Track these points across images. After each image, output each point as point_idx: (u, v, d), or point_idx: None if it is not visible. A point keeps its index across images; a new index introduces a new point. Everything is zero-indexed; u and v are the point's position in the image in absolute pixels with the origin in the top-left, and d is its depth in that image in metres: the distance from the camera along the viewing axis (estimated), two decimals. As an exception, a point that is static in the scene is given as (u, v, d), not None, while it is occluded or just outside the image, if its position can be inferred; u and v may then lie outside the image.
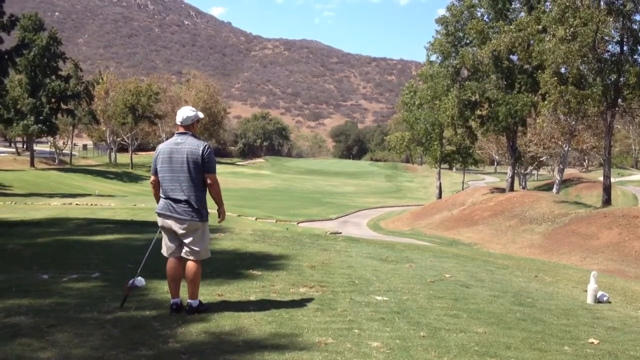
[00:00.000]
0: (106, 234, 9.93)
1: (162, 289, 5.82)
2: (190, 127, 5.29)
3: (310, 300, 5.89)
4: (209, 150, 5.19)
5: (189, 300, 5.21)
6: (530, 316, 5.96)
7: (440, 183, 53.64)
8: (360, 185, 78.07)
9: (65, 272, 6.73)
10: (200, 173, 5.14)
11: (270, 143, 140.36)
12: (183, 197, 5.12)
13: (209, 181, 5.16)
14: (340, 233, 31.43)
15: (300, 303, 5.73)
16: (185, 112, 5.29)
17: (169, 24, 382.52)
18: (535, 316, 5.99)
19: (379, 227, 36.54)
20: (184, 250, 5.23)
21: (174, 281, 5.25)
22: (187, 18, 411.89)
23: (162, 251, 5.35)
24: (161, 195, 5.25)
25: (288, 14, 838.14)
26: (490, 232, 29.67)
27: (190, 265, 5.20)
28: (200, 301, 5.30)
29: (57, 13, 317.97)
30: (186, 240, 5.17)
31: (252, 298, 5.82)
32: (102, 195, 40.45)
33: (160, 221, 5.25)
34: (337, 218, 40.83)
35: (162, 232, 5.33)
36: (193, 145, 5.14)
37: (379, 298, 6.17)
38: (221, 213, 5.32)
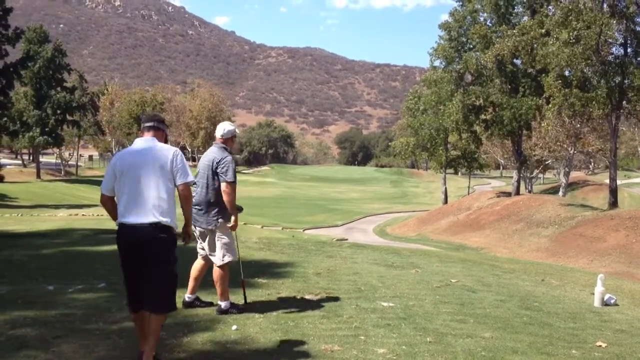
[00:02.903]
0: (112, 244, 9.90)
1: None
2: (228, 141, 5.71)
3: (316, 307, 5.88)
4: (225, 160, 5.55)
5: (218, 302, 5.61)
6: (537, 320, 5.94)
7: (445, 188, 53.51)
8: (365, 191, 77.99)
9: (71, 283, 6.74)
10: (217, 181, 5.49)
11: (276, 151, 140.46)
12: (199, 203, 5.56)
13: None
14: (347, 239, 31.37)
15: (306, 310, 5.73)
16: (226, 126, 5.77)
17: (173, 34, 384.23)
18: (542, 320, 5.96)
19: (386, 233, 36.47)
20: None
21: (193, 279, 5.75)
22: (191, 28, 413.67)
23: None
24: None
25: (292, 23, 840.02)
26: (497, 236, 29.55)
27: (213, 269, 5.66)
28: (231, 303, 5.63)
29: (61, 25, 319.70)
30: (205, 245, 5.66)
31: (258, 306, 5.81)
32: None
33: None
34: (344, 225, 40.75)
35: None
36: (213, 153, 5.58)
37: (385, 304, 6.15)
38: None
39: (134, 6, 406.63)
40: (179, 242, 4.33)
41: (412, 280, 7.87)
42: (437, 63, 42.84)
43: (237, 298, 5.91)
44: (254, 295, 6.22)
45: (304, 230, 34.48)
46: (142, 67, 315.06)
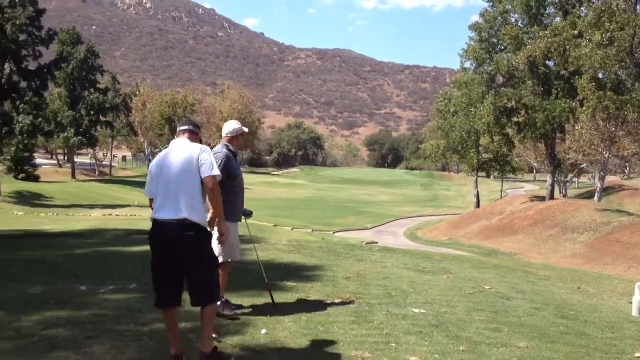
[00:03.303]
0: (144, 245, 9.95)
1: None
2: (234, 140, 5.77)
3: (346, 312, 5.81)
4: None
5: None
6: (574, 330, 5.78)
7: (478, 192, 52.91)
8: (396, 194, 77.59)
9: (103, 284, 6.79)
10: None
11: (305, 152, 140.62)
12: None
13: None
14: (377, 243, 31.21)
15: (336, 315, 5.66)
16: (233, 125, 5.85)
17: (204, 36, 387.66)
18: (579, 330, 5.80)
19: (416, 236, 36.20)
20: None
21: None
22: (221, 30, 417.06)
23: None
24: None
25: (320, 24, 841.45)
26: (531, 242, 29.10)
27: None
28: (225, 301, 5.63)
29: (94, 27, 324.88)
30: None
31: (287, 310, 5.77)
32: (141, 206, 40.95)
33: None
34: (374, 227, 40.56)
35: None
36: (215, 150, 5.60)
37: (417, 311, 6.05)
38: None
39: (165, 8, 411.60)
40: (215, 241, 4.50)
41: (444, 286, 7.74)
42: (467, 65, 42.56)
43: (265, 302, 5.87)
44: (283, 299, 6.18)
45: (334, 233, 34.41)
46: (173, 69, 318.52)
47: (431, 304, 6.45)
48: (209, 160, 4.25)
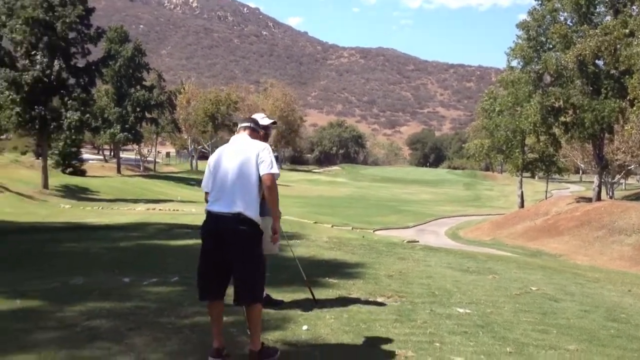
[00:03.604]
0: (185, 239, 10.07)
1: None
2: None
3: (388, 310, 5.69)
4: None
5: None
6: (626, 333, 5.55)
7: (522, 192, 51.92)
8: (437, 193, 76.84)
9: (145, 276, 6.83)
10: None
11: (346, 151, 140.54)
12: None
13: None
14: (418, 242, 30.91)
15: (378, 313, 5.55)
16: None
17: (248, 34, 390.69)
18: (631, 333, 5.57)
19: (458, 236, 35.73)
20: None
21: None
22: (265, 28, 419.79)
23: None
24: None
25: (364, 23, 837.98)
26: (577, 243, 28.41)
27: None
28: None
29: (141, 26, 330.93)
30: None
31: (328, 306, 5.68)
32: (183, 201, 41.54)
33: None
34: (415, 226, 40.26)
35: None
36: None
37: (461, 310, 5.89)
38: None
39: (211, 7, 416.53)
40: (269, 241, 4.51)
41: (489, 286, 7.53)
42: (514, 63, 41.72)
43: (305, 297, 5.80)
44: (324, 295, 6.09)
45: (374, 231, 34.25)
46: (217, 67, 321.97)
47: (476, 304, 6.27)
48: (268, 158, 4.26)
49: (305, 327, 4.91)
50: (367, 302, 5.97)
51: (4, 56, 37.84)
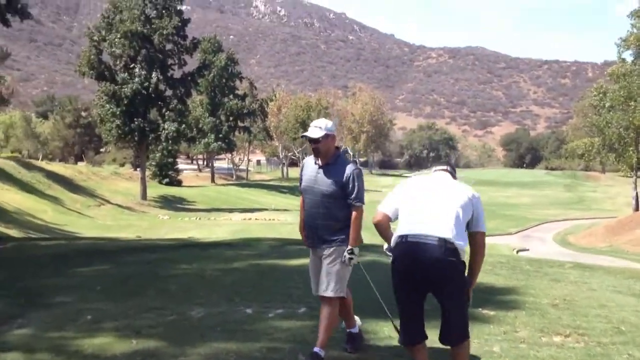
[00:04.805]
0: (300, 257, 9.30)
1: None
2: None
3: (574, 355, 4.61)
4: None
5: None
6: None
7: (637, 193, 48.29)
8: (536, 196, 73.34)
9: (269, 306, 6.09)
10: None
11: (437, 153, 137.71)
12: None
13: None
14: (528, 250, 29.11)
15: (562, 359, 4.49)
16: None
17: (334, 40, 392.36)
18: None
19: (568, 242, 33.40)
20: None
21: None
22: (351, 33, 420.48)
23: None
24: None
25: (452, 23, 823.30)
26: None
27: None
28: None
29: (231, 36, 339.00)
30: None
31: (496, 349, 4.69)
32: (277, 210, 41.44)
33: None
34: (517, 232, 38.18)
35: None
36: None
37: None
38: None
39: (298, 15, 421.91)
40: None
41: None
42: (626, 55, 38.83)
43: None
44: (486, 334, 5.10)
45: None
46: (305, 74, 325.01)
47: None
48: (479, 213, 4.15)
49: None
50: (542, 344, 4.89)
51: (104, 70, 39.08)
